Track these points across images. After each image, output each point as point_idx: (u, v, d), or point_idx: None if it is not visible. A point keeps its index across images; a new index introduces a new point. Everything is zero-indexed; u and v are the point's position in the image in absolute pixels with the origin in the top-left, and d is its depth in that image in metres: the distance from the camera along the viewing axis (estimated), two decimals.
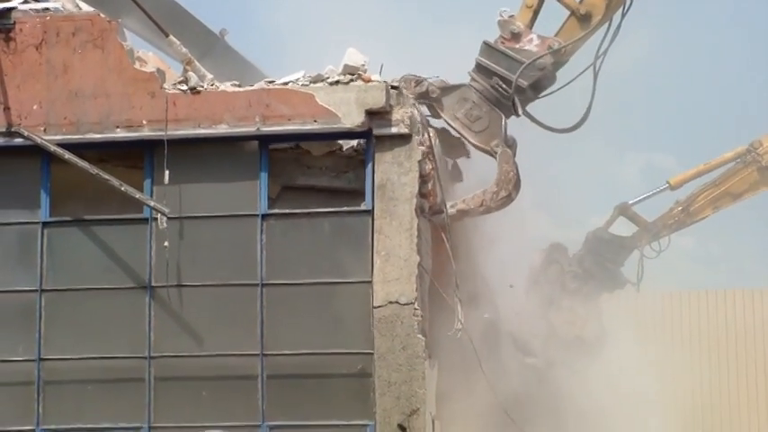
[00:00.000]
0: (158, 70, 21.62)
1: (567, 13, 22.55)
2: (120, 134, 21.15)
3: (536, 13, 22.29)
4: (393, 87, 20.66)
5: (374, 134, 20.58)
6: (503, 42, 22.03)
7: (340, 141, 21.62)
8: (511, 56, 21.83)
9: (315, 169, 21.41)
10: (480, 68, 22.05)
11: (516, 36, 21.97)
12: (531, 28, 22.22)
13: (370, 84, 20.62)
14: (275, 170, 21.31)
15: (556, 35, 22.30)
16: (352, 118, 20.45)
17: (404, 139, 20.49)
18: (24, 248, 21.64)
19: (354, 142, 21.36)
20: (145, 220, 21.17)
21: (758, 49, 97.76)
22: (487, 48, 22.07)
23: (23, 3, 21.95)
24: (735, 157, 32.96)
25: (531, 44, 21.97)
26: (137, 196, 20.95)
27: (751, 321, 34.81)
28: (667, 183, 32.49)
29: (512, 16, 22.18)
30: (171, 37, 22.64)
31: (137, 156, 21.54)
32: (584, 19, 22.16)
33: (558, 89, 22.47)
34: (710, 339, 34.56)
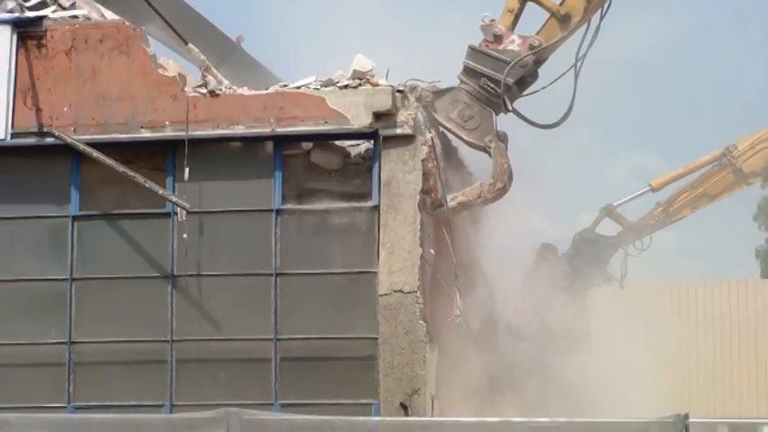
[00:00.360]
0: (179, 75, 21.99)
1: (548, 14, 22.91)
2: (145, 134, 21.65)
3: (517, 16, 22.61)
4: (398, 91, 21.11)
5: (380, 135, 21.02)
6: (487, 45, 22.36)
7: (349, 150, 22.19)
8: (496, 57, 22.20)
9: (325, 175, 21.89)
10: (468, 71, 22.39)
11: (499, 38, 22.32)
12: (512, 30, 22.66)
13: (377, 88, 21.13)
14: (289, 175, 21.74)
15: (537, 34, 22.63)
16: (360, 120, 20.95)
17: (408, 139, 20.97)
18: (56, 240, 22.10)
19: (362, 149, 21.87)
20: (167, 215, 21.62)
21: (743, 56, 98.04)
22: (473, 51, 22.44)
23: (54, 11, 22.39)
24: (712, 160, 33.33)
25: (514, 44, 22.30)
26: (159, 192, 21.40)
27: (731, 309, 35.33)
28: (649, 185, 32.93)
29: (493, 20, 22.53)
30: (190, 45, 22.82)
31: (159, 158, 21.98)
32: (563, 20, 22.44)
33: (541, 89, 22.91)
34: (698, 325, 34.94)
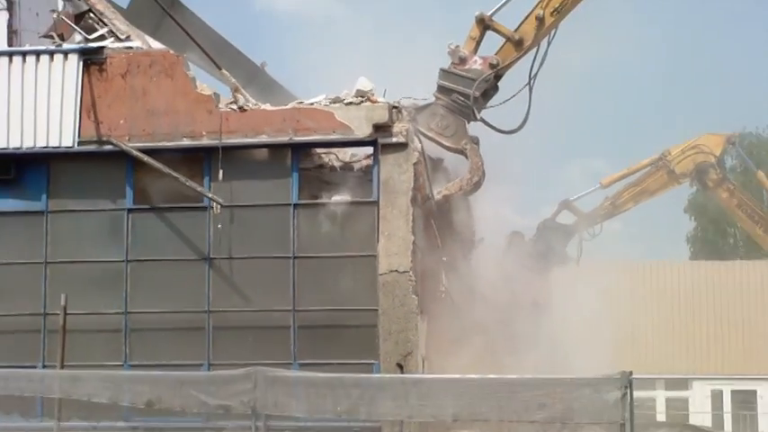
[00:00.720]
0: (214, 93, 22.20)
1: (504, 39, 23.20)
2: (186, 142, 21.89)
3: (478, 42, 22.89)
4: (394, 107, 21.35)
5: (379, 143, 21.22)
6: (455, 66, 22.64)
7: (353, 164, 22.48)
8: (463, 75, 22.51)
9: (333, 185, 22.08)
10: (441, 89, 22.64)
11: (464, 60, 22.61)
12: (475, 53, 22.89)
13: (376, 104, 21.34)
14: (302, 184, 21.95)
15: (495, 55, 22.89)
16: (362, 130, 21.22)
17: (402, 146, 21.20)
18: (114, 229, 22.33)
19: (363, 164, 22.12)
20: (204, 208, 21.84)
21: (679, 74, 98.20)
22: (444, 72, 22.72)
23: (112, 42, 22.51)
24: (650, 163, 33.64)
25: (476, 64, 22.57)
26: (198, 189, 21.69)
27: (666, 284, 35.76)
28: (600, 183, 33.22)
29: (458, 46, 22.83)
30: (223, 70, 23.13)
31: (197, 162, 22.16)
32: (517, 43, 22.74)
33: (502, 103, 23.18)
34: (640, 297, 35.13)
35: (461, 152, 22.79)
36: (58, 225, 22.64)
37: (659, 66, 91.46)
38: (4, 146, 22.42)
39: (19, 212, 22.89)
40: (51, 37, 23.53)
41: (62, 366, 20.63)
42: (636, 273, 30.43)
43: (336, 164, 22.64)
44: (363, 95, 21.67)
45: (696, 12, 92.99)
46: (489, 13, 23.01)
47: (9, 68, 22.55)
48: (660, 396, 38.35)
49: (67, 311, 20.80)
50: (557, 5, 22.71)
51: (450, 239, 23.80)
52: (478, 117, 22.95)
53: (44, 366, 21.86)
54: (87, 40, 22.66)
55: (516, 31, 22.83)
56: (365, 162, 22.23)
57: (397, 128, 21.31)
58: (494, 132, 23.36)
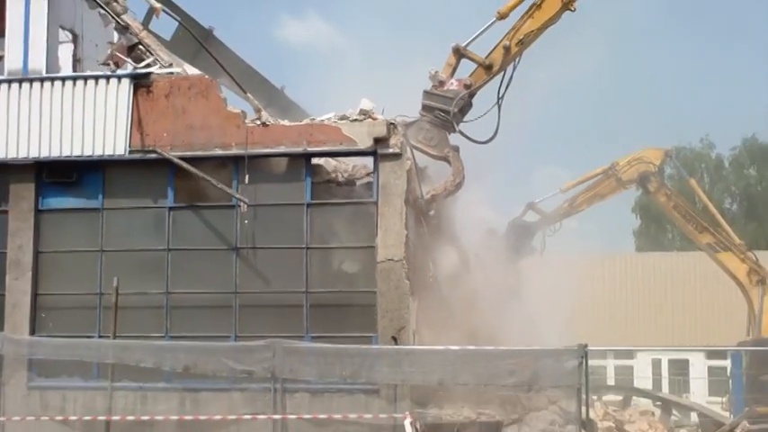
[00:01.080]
0: (242, 111, 22.11)
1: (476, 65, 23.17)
2: (218, 152, 21.81)
3: (454, 68, 22.81)
4: (391, 124, 21.35)
5: (379, 153, 21.23)
6: (435, 88, 22.60)
7: (356, 180, 22.55)
8: (442, 95, 22.48)
9: (339, 197, 22.05)
10: (425, 107, 22.57)
11: (442, 83, 22.56)
12: (452, 76, 22.85)
13: (376, 121, 21.33)
14: (314, 189, 21.95)
15: (469, 77, 22.87)
16: (364, 143, 21.21)
17: (397, 156, 21.21)
18: (158, 223, 22.28)
19: (365, 181, 22.12)
20: (233, 206, 21.77)
21: (631, 94, 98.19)
22: (427, 93, 22.65)
23: (158, 69, 22.49)
24: (602, 172, 33.68)
25: (453, 86, 22.50)
26: (227, 191, 21.64)
27: (615, 272, 35.81)
28: (559, 188, 33.27)
29: (437, 71, 22.81)
30: (248, 93, 23.22)
31: (227, 168, 22.06)
32: (487, 68, 22.67)
33: (476, 119, 23.11)
34: (594, 283, 35.06)
35: (445, 159, 22.75)
36: (111, 220, 22.62)
37: (611, 88, 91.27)
38: (67, 154, 22.36)
39: (79, 209, 22.84)
40: (108, 64, 23.54)
41: (114, 337, 21.03)
42: (590, 263, 30.44)
43: (341, 180, 22.54)
44: (365, 114, 21.64)
45: (637, 41, 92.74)
46: (464, 44, 22.95)
47: (73, 90, 22.51)
48: (610, 364, 38.46)
49: (119, 291, 21.18)
50: (521, 37, 22.67)
51: (436, 233, 23.72)
52: (457, 129, 22.89)
53: (100, 337, 21.83)
54: (137, 68, 22.71)
55: (486, 57, 22.77)
56: (366, 179, 22.12)
57: (393, 141, 21.29)
58: (471, 143, 23.28)
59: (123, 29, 24.05)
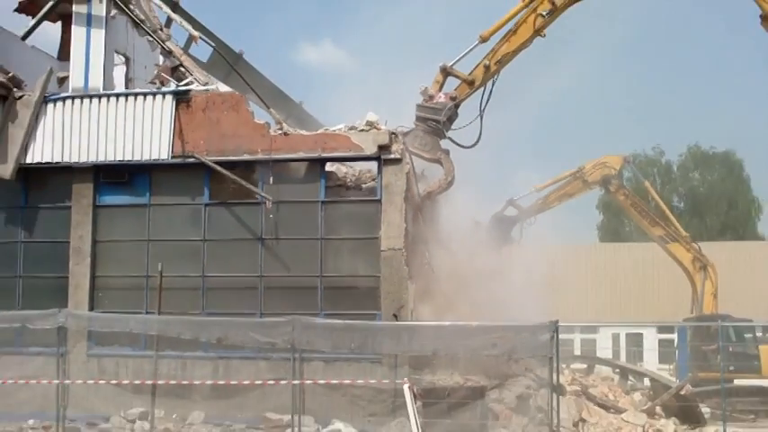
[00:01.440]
0: (266, 122, 21.93)
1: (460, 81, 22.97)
2: (246, 157, 21.61)
3: (441, 85, 22.60)
4: (392, 133, 21.19)
5: (382, 158, 21.03)
6: (426, 101, 22.46)
7: (361, 185, 22.30)
8: (432, 107, 22.34)
9: (348, 197, 21.87)
10: (418, 118, 22.37)
11: (432, 97, 22.41)
12: (440, 91, 22.62)
13: (380, 131, 21.13)
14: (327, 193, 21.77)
15: (454, 90, 22.67)
16: (370, 149, 21.03)
17: (398, 161, 21.02)
18: (195, 218, 22.11)
19: (370, 186, 21.83)
20: (258, 203, 21.58)
21: (600, 106, 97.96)
22: (419, 107, 22.49)
23: (196, 87, 22.29)
24: (570, 174, 33.54)
25: (441, 99, 22.37)
26: (254, 190, 21.54)
27: (579, 259, 35.54)
28: (534, 187, 32.97)
29: (426, 87, 22.64)
30: (271, 109, 23.16)
31: (254, 171, 21.90)
32: (470, 83, 22.48)
33: (462, 127, 22.83)
34: (565, 269, 34.74)
35: (437, 161, 22.60)
36: (156, 215, 22.45)
37: (579, 103, 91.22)
38: (120, 158, 22.30)
39: (130, 205, 22.71)
40: (154, 83, 23.78)
41: (159, 313, 20.83)
42: (560, 251, 30.17)
43: (350, 183, 22.31)
44: (371, 125, 21.45)
45: (601, 64, 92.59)
46: (450, 64, 22.78)
47: (125, 105, 22.43)
48: (577, 338, 38.28)
49: (162, 275, 21.05)
50: (499, 58, 22.51)
51: (431, 226, 23.45)
52: (446, 136, 22.70)
53: (146, 313, 21.64)
54: (178, 86, 22.59)
55: (469, 74, 22.63)
56: (370, 183, 21.89)
57: (394, 147, 21.11)
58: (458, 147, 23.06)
59: (167, 53, 24.22)
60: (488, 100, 22.84)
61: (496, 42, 22.72)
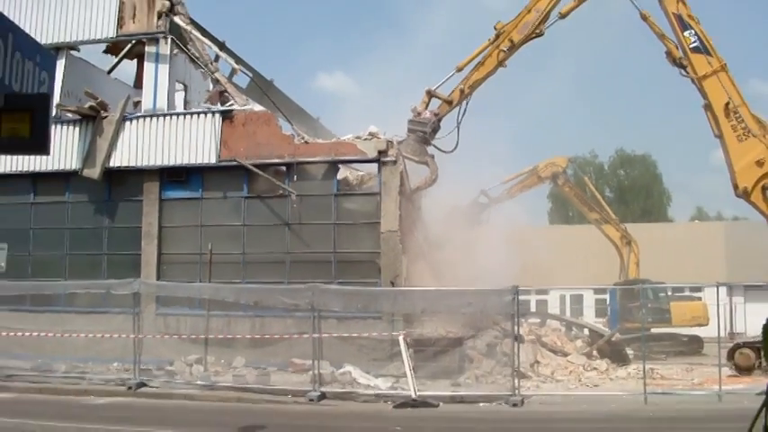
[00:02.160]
0: (291, 134, 21.60)
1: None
2: (276, 160, 21.17)
3: (427, 104, 22.03)
4: (389, 141, 20.73)
5: (381, 161, 20.53)
6: (415, 117, 21.86)
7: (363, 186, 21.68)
8: (420, 121, 21.74)
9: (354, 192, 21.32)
10: (409, 130, 21.75)
11: (419, 113, 21.86)
12: (426, 108, 22.02)
13: (379, 140, 20.64)
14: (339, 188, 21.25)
15: (437, 108, 22.11)
16: (372, 154, 20.60)
17: (393, 163, 20.50)
18: (236, 208, 21.52)
19: (373, 188, 21.07)
20: (286, 196, 20.98)
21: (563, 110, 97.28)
22: (410, 121, 21.88)
23: (237, 106, 21.89)
24: (528, 171, 32.83)
25: (427, 115, 21.80)
26: (282, 186, 21.01)
27: (532, 238, 34.85)
28: (502, 181, 32.11)
29: (415, 106, 22.07)
30: (294, 125, 22.86)
31: (282, 171, 21.44)
32: (449, 103, 21.95)
33: (444, 137, 22.19)
34: (519, 245, 34.36)
35: (425, 163, 22.06)
36: (207, 206, 21.95)
37: (533, 112, 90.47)
38: (180, 162, 21.96)
39: (187, 198, 22.18)
40: (207, 104, 23.11)
41: (209, 281, 20.83)
42: (520, 232, 29.54)
43: (355, 182, 21.67)
44: (372, 135, 21.06)
45: (551, 83, 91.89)
46: (433, 88, 22.25)
47: (184, 121, 22.22)
48: (532, 299, 37.58)
49: (212, 252, 21.10)
50: (471, 83, 22.10)
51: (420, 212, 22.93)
52: (431, 143, 22.16)
53: (200, 281, 21.13)
54: (223, 105, 22.41)
55: (449, 96, 22.13)
56: (371, 183, 21.26)
57: (390, 152, 20.65)
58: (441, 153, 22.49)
59: (215, 81, 23.71)
60: (464, 115, 22.26)
61: (469, 71, 22.24)
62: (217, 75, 23.41)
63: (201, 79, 25.83)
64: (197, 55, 23.14)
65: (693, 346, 29.71)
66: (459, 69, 22.24)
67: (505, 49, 21.93)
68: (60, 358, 20.28)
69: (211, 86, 25.03)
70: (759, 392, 16.77)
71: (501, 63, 22.09)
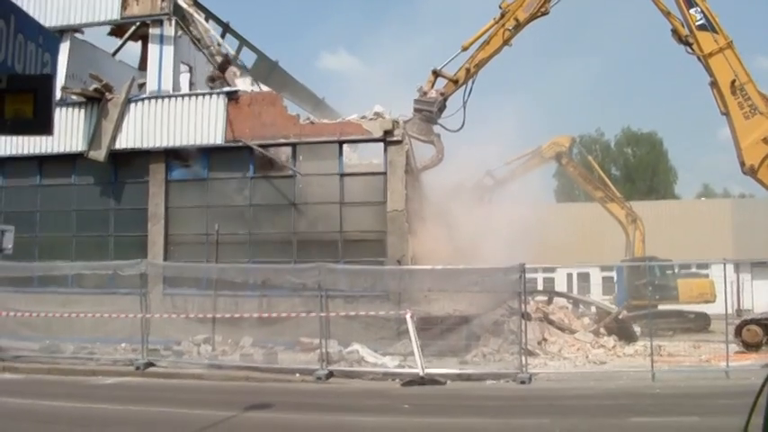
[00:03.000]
0: (297, 114, 21.60)
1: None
2: (282, 141, 21.13)
3: (433, 84, 21.78)
4: (395, 121, 20.66)
5: (387, 140, 20.47)
6: (421, 97, 21.66)
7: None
8: (426, 101, 21.56)
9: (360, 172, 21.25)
10: (416, 110, 21.57)
11: (425, 93, 21.65)
12: (432, 88, 21.84)
13: (385, 119, 20.62)
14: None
15: (443, 87, 21.92)
16: (377, 133, 20.53)
17: (399, 142, 20.47)
18: (243, 188, 21.55)
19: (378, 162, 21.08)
20: (292, 176, 21.10)
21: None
22: (416, 101, 21.66)
23: (243, 88, 21.90)
24: (532, 152, 32.54)
25: (433, 94, 21.62)
26: (288, 166, 21.09)
27: (542, 216, 34.72)
28: (505, 162, 31.77)
29: (421, 86, 21.88)
30: (300, 105, 22.82)
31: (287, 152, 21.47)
32: (455, 82, 21.70)
33: (450, 116, 21.89)
34: (527, 223, 34.25)
35: (431, 142, 21.96)
36: (212, 187, 21.95)
37: (542, 92, 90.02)
38: (185, 143, 21.99)
39: (193, 179, 22.23)
40: (212, 84, 23.20)
41: (216, 262, 20.95)
42: (526, 209, 29.38)
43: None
44: (378, 114, 21.02)
45: (559, 64, 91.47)
46: (439, 67, 21.96)
47: (189, 103, 22.19)
48: (539, 276, 37.52)
49: (219, 233, 21.13)
50: (476, 62, 21.83)
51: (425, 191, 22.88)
52: (438, 123, 21.97)
53: (207, 262, 21.20)
54: (230, 87, 22.46)
55: (454, 75, 21.89)
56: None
57: (396, 132, 20.59)
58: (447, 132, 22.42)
59: (218, 64, 23.49)
60: (470, 94, 22.12)
61: (475, 50, 22.01)
62: (218, 57, 23.31)
63: (206, 60, 25.71)
64: (198, 37, 23.10)
65: (700, 323, 29.62)
66: (465, 48, 21.99)
67: (511, 28, 21.74)
68: (68, 339, 20.40)
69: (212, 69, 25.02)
70: (765, 365, 16.97)
71: (506, 42, 21.90)
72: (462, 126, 22.04)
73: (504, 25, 21.86)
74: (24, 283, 21.66)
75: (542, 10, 21.78)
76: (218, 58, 23.18)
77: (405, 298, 19.12)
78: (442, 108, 22.05)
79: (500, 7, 21.93)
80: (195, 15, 23.00)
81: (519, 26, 21.86)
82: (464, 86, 22.10)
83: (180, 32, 23.19)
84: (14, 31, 6.00)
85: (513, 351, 17.57)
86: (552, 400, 14.52)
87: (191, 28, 23.03)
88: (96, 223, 22.75)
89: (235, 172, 21.70)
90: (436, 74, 22.17)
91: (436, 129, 22.07)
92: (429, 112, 21.72)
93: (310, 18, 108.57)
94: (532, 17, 21.87)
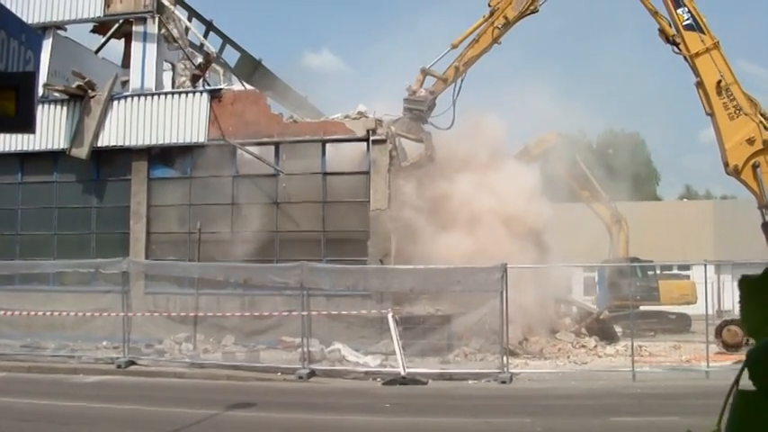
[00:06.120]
0: (280, 113, 21.65)
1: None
2: (265, 139, 21.09)
3: (421, 83, 21.90)
4: (378, 120, 20.66)
5: (371, 139, 20.46)
6: (411, 95, 21.77)
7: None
8: (416, 99, 21.66)
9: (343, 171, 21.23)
10: (405, 109, 21.67)
11: (414, 92, 21.76)
12: (421, 87, 21.94)
13: (368, 119, 20.64)
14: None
15: (432, 86, 22.05)
16: (360, 133, 20.56)
17: (383, 141, 20.50)
18: (225, 187, 21.29)
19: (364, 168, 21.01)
20: (275, 175, 21.03)
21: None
22: (405, 100, 21.78)
23: (226, 86, 21.93)
24: (519, 152, 32.60)
25: (422, 93, 21.73)
26: (271, 165, 21.00)
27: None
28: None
29: (410, 85, 21.96)
30: (283, 104, 22.81)
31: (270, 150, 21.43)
32: (444, 81, 21.83)
33: (439, 115, 21.99)
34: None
35: (421, 141, 21.98)
36: (195, 185, 21.89)
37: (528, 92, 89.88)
38: (168, 141, 21.93)
39: (176, 178, 22.19)
40: (195, 82, 23.17)
41: (198, 260, 20.85)
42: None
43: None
44: (361, 114, 21.10)
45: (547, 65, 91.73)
46: (428, 66, 22.09)
47: (172, 101, 22.21)
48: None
49: (201, 231, 21.01)
50: (466, 61, 21.90)
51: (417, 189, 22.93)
52: (427, 121, 22.10)
53: (189, 260, 21.15)
54: (212, 86, 22.53)
55: (443, 74, 21.97)
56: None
57: (379, 131, 20.63)
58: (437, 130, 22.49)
59: (194, 62, 23.41)
60: (459, 93, 22.19)
61: (464, 49, 22.07)
62: (198, 59, 23.35)
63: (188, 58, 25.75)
64: (177, 36, 23.02)
65: (681, 324, 29.82)
66: (454, 47, 22.09)
67: (500, 26, 21.81)
68: (49, 337, 20.31)
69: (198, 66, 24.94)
70: (736, 362, 17.15)
71: (496, 40, 21.99)
72: (452, 124, 22.17)
73: (493, 23, 21.92)
74: (5, 281, 21.61)
75: (531, 8, 21.86)
76: (198, 59, 23.18)
77: (387, 297, 19.17)
78: (431, 107, 22.14)
79: (489, 5, 21.99)
80: (175, 12, 22.94)
81: (508, 24, 21.93)
82: (453, 85, 22.21)
83: (163, 30, 23.01)
84: None
85: (495, 351, 17.66)
86: (533, 400, 14.61)
87: (169, 26, 22.93)
88: (78, 221, 22.67)
89: (218, 170, 21.57)
90: (425, 72, 22.23)
91: (426, 128, 22.13)
92: (419, 111, 21.80)
93: (295, 16, 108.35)
94: (522, 15, 21.95)
